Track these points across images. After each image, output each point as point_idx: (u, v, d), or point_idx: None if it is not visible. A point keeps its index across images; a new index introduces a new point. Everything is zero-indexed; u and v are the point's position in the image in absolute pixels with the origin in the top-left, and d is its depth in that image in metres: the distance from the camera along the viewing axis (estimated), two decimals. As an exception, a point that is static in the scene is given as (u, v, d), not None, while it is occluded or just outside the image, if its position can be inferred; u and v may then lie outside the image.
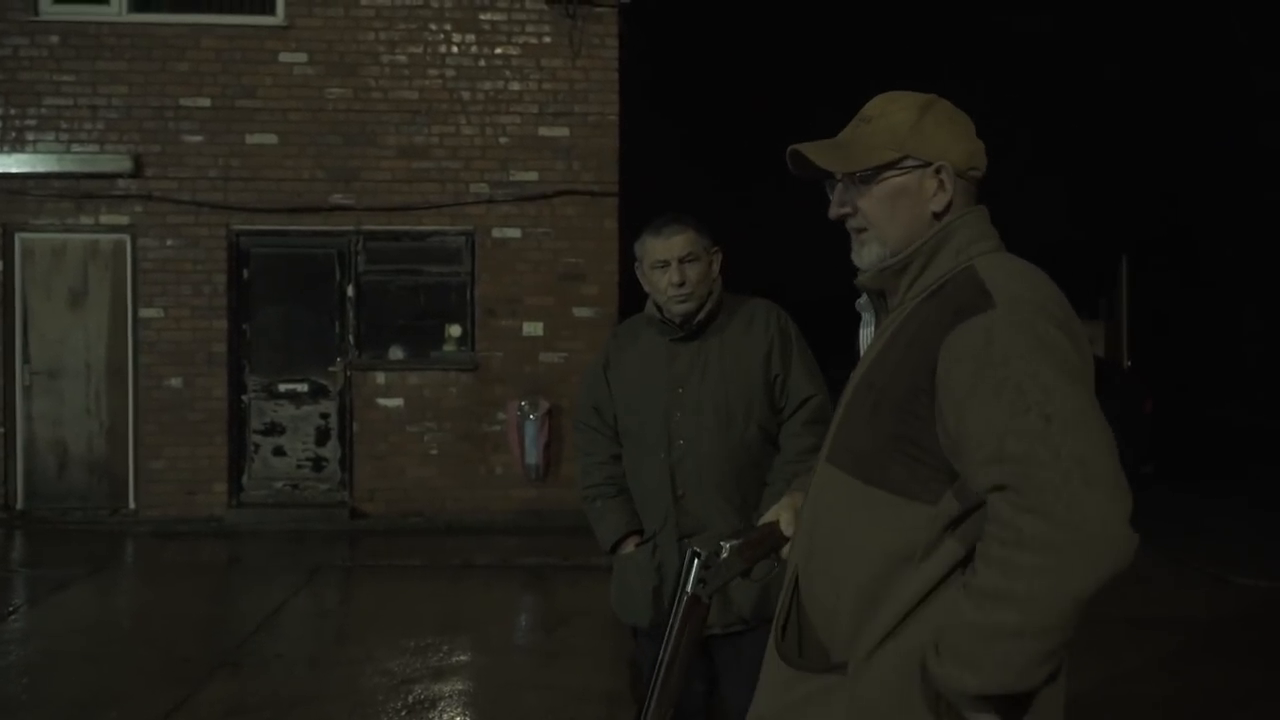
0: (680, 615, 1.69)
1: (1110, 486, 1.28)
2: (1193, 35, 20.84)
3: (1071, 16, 20.83)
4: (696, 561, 1.71)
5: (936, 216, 1.56)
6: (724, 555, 1.71)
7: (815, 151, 1.59)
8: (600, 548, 3.00)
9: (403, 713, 4.75)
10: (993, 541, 1.32)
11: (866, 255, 1.60)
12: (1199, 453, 15.34)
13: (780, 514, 1.76)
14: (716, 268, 2.87)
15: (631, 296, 9.76)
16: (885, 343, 1.55)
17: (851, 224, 1.61)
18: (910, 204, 1.56)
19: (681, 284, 2.77)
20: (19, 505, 9.39)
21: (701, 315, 2.83)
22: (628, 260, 11.02)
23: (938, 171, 1.56)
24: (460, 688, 5.16)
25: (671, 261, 2.78)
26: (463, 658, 5.62)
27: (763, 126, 20.50)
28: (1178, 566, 8.04)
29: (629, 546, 2.90)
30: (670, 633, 1.68)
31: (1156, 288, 22.17)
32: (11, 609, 6.78)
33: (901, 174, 1.56)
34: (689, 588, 1.70)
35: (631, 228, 10.94)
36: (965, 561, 1.42)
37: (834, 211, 1.63)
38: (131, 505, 9.45)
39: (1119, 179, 22.22)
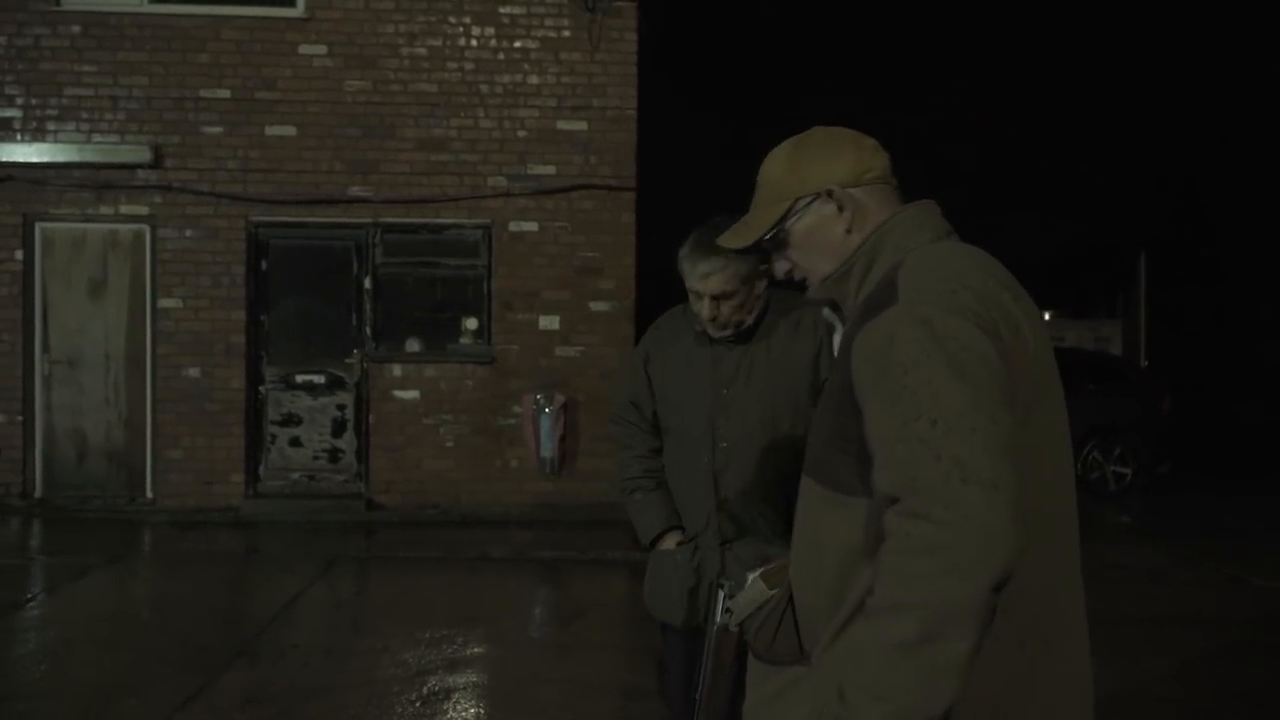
0: (713, 648, 1.73)
1: (987, 484, 1.27)
2: (1214, 31, 20.66)
3: (1093, 14, 20.70)
4: (722, 594, 1.75)
5: (850, 233, 1.61)
6: (748, 584, 1.73)
7: (729, 238, 1.70)
8: (640, 541, 2.95)
9: (417, 704, 4.77)
10: (885, 554, 1.31)
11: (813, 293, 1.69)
12: (1217, 451, 15.25)
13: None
14: (761, 287, 2.76)
15: (648, 290, 9.77)
16: (840, 349, 1.60)
17: (797, 276, 1.70)
18: (823, 236, 1.62)
19: (714, 319, 2.72)
20: (38, 493, 9.46)
21: (742, 331, 2.78)
22: (645, 254, 10.98)
23: (829, 195, 1.61)
24: (475, 680, 5.17)
25: (705, 296, 2.72)
26: (478, 650, 5.64)
27: (783, 115, 20.43)
28: (1195, 566, 8.00)
29: (668, 542, 2.84)
30: (705, 665, 1.72)
31: (1175, 286, 22.03)
32: (30, 597, 6.83)
33: (799, 217, 1.63)
34: (718, 619, 1.73)
35: (650, 222, 10.96)
36: None
37: (779, 272, 1.72)
38: (149, 495, 9.51)
39: (1137, 178, 22.08)
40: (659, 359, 2.91)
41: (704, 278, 2.68)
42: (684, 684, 2.80)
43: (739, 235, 1.68)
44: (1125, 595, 7.03)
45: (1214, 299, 23.09)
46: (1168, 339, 20.97)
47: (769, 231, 1.65)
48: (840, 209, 1.61)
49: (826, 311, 1.72)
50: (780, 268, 1.70)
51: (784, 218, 1.64)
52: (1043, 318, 1.61)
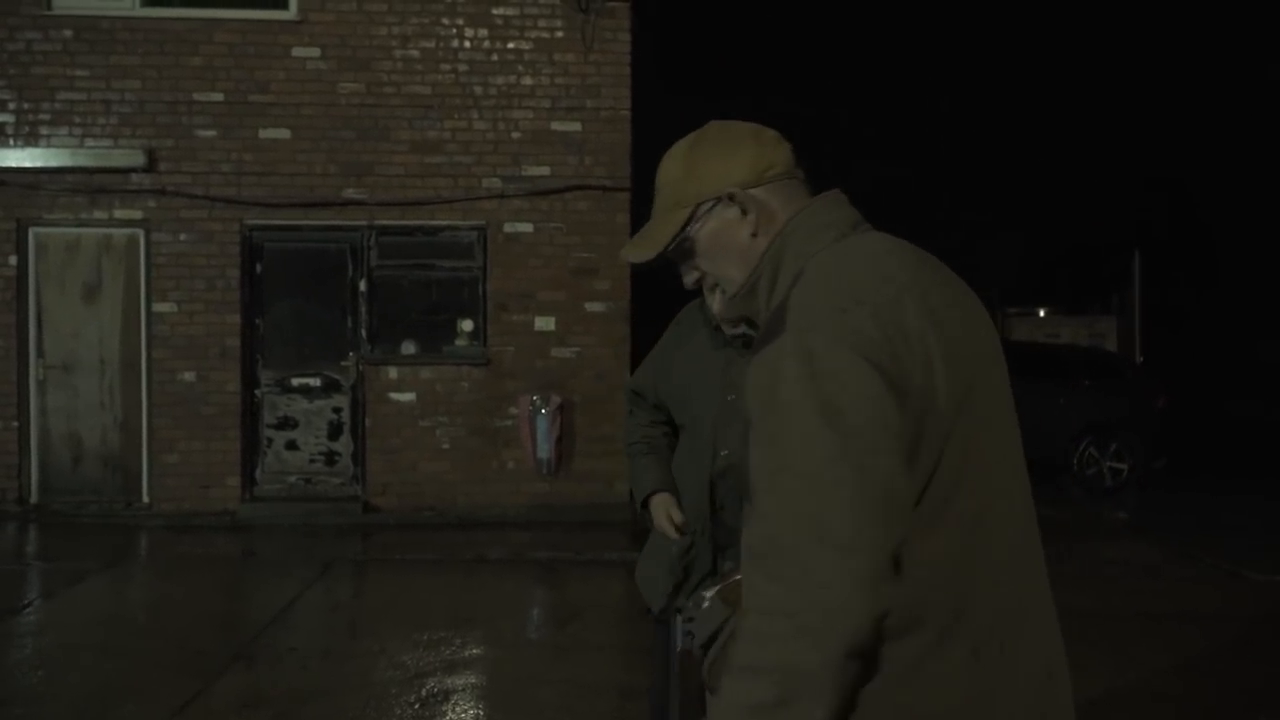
0: (679, 674, 1.71)
1: (845, 547, 1.23)
2: (1208, 31, 20.71)
3: (1086, 12, 20.75)
4: (680, 618, 1.73)
5: (755, 236, 1.51)
6: (705, 605, 1.69)
7: (632, 250, 1.59)
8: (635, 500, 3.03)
9: (416, 706, 4.77)
10: (746, 611, 1.29)
11: (718, 303, 1.61)
12: (1212, 448, 15.28)
13: None
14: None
15: (643, 291, 9.77)
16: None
17: (708, 283, 1.61)
18: (729, 242, 1.52)
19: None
20: (33, 499, 9.44)
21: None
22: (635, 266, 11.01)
23: (730, 199, 1.51)
24: (473, 681, 5.17)
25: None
26: (475, 651, 5.64)
27: (782, 112, 20.45)
28: (1191, 562, 8.02)
29: (659, 503, 2.84)
30: (674, 694, 1.73)
31: (1170, 284, 22.08)
32: (27, 602, 6.81)
33: (702, 224, 1.53)
34: (679, 645, 1.71)
35: (644, 222, 10.98)
36: None
37: (688, 283, 1.63)
38: (145, 499, 9.49)
39: (1132, 175, 22.13)
40: (678, 354, 2.89)
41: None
42: (660, 672, 2.81)
43: (642, 246, 1.57)
44: (1122, 591, 7.05)
45: (1209, 296, 23.14)
46: (1163, 336, 21.01)
47: (672, 242, 1.54)
48: (744, 212, 1.51)
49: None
50: (689, 277, 1.61)
51: (686, 224, 1.53)
52: (976, 308, 1.47)
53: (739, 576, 1.66)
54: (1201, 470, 13.07)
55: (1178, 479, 12.12)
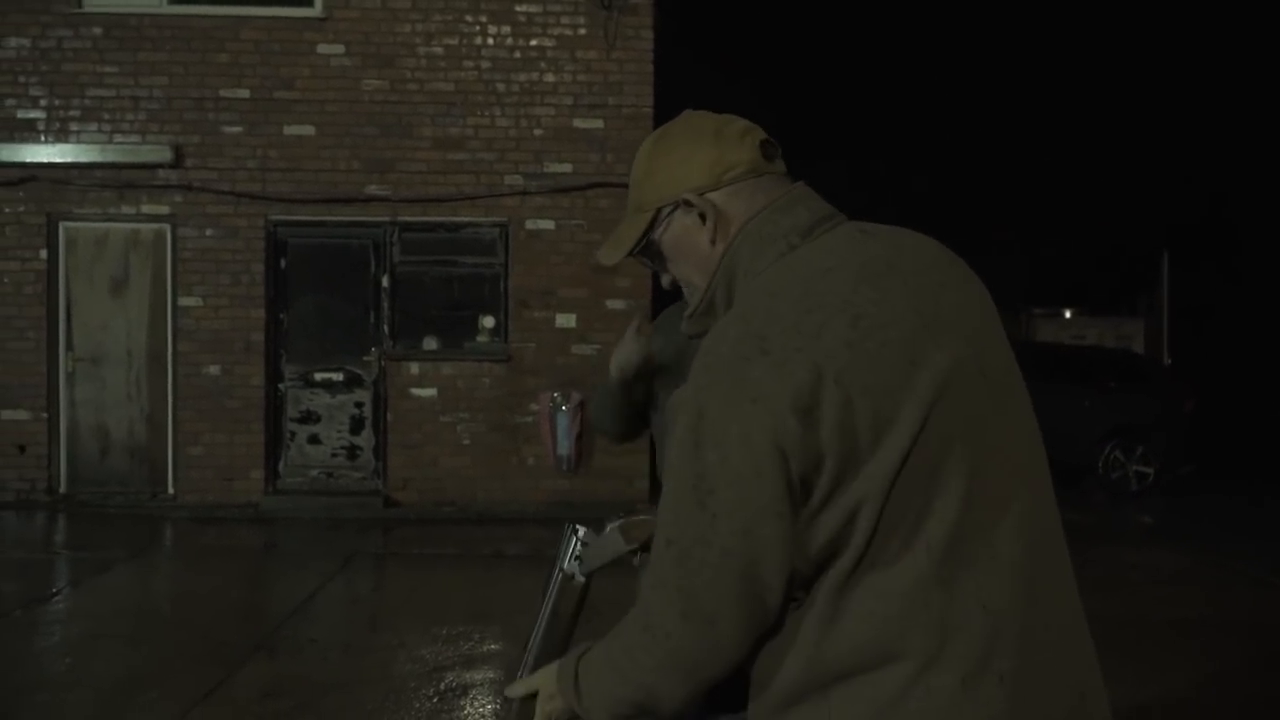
0: (554, 594, 1.62)
1: (706, 619, 1.30)
2: (1237, 29, 20.49)
3: (1115, 13, 20.57)
4: (575, 539, 1.64)
5: (714, 244, 1.45)
6: (604, 534, 1.63)
7: (604, 253, 1.56)
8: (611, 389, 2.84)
9: (434, 699, 4.80)
10: (635, 618, 1.38)
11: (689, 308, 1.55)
12: (1242, 452, 15.11)
13: None
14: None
15: (663, 289, 9.76)
16: None
17: (686, 290, 1.55)
18: (690, 249, 1.47)
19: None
20: (62, 489, 9.56)
21: None
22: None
23: (688, 205, 1.44)
24: (491, 676, 5.20)
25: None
26: (493, 646, 5.66)
27: (804, 111, 20.40)
28: (1218, 568, 7.94)
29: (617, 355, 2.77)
30: (543, 611, 1.62)
31: (1199, 284, 21.85)
32: (55, 591, 6.91)
33: (664, 228, 1.47)
34: (564, 565, 1.64)
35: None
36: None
37: (665, 284, 1.59)
38: (170, 490, 9.60)
39: (1160, 174, 21.92)
40: (660, 351, 2.90)
41: None
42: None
43: (610, 248, 1.54)
44: (1147, 597, 6.98)
45: (1240, 297, 22.88)
46: (1191, 338, 20.80)
47: (637, 245, 1.50)
48: (702, 217, 1.44)
49: None
50: (665, 279, 1.57)
51: (649, 228, 1.48)
52: (955, 308, 1.36)
53: (645, 517, 1.65)
54: (1230, 475, 12.93)
55: (1206, 483, 12.01)
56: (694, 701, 1.38)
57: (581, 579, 1.65)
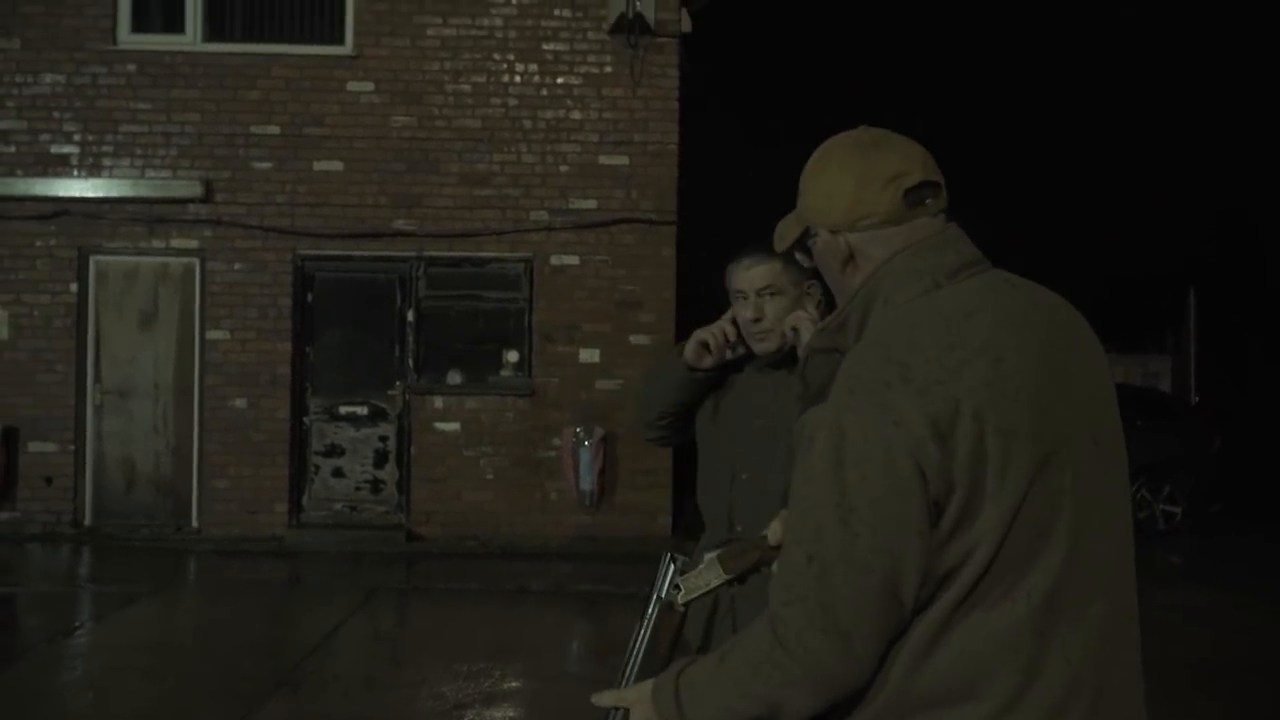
0: (651, 624, 1.65)
1: (844, 634, 1.32)
2: (1266, 65, 20.45)
3: (1139, 44, 20.58)
4: (673, 568, 1.66)
5: (846, 272, 1.52)
6: (702, 565, 1.67)
7: (776, 237, 1.62)
8: (677, 371, 2.70)
9: (456, 738, 4.77)
10: (758, 633, 1.39)
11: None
12: (1272, 491, 14.88)
13: (771, 526, 1.70)
14: (816, 302, 2.60)
15: (687, 324, 9.78)
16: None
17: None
18: (826, 265, 1.56)
19: (758, 320, 2.55)
20: (87, 521, 9.61)
21: (785, 354, 2.59)
22: (685, 288, 10.96)
23: (834, 233, 1.51)
24: (512, 714, 5.17)
25: (749, 294, 2.57)
26: (515, 684, 5.63)
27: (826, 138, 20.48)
28: (1246, 609, 7.81)
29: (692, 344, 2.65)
30: (638, 641, 1.64)
31: (1227, 321, 21.66)
32: (78, 624, 6.93)
33: (814, 241, 1.55)
34: (663, 593, 1.65)
35: (690, 256, 10.97)
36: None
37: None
38: (195, 523, 9.63)
39: (1187, 209, 21.82)
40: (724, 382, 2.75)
41: (747, 270, 2.57)
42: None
43: (778, 238, 1.62)
44: (1177, 638, 6.86)
45: (1267, 334, 22.66)
46: (1219, 375, 20.59)
47: (793, 247, 1.60)
48: (835, 250, 1.51)
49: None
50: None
51: (802, 236, 1.57)
52: (1082, 365, 1.43)
53: (741, 544, 1.70)
54: (1260, 514, 12.73)
55: (1234, 523, 11.84)
56: (813, 716, 1.39)
57: (681, 608, 1.67)
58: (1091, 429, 1.41)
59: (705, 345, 2.62)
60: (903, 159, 1.49)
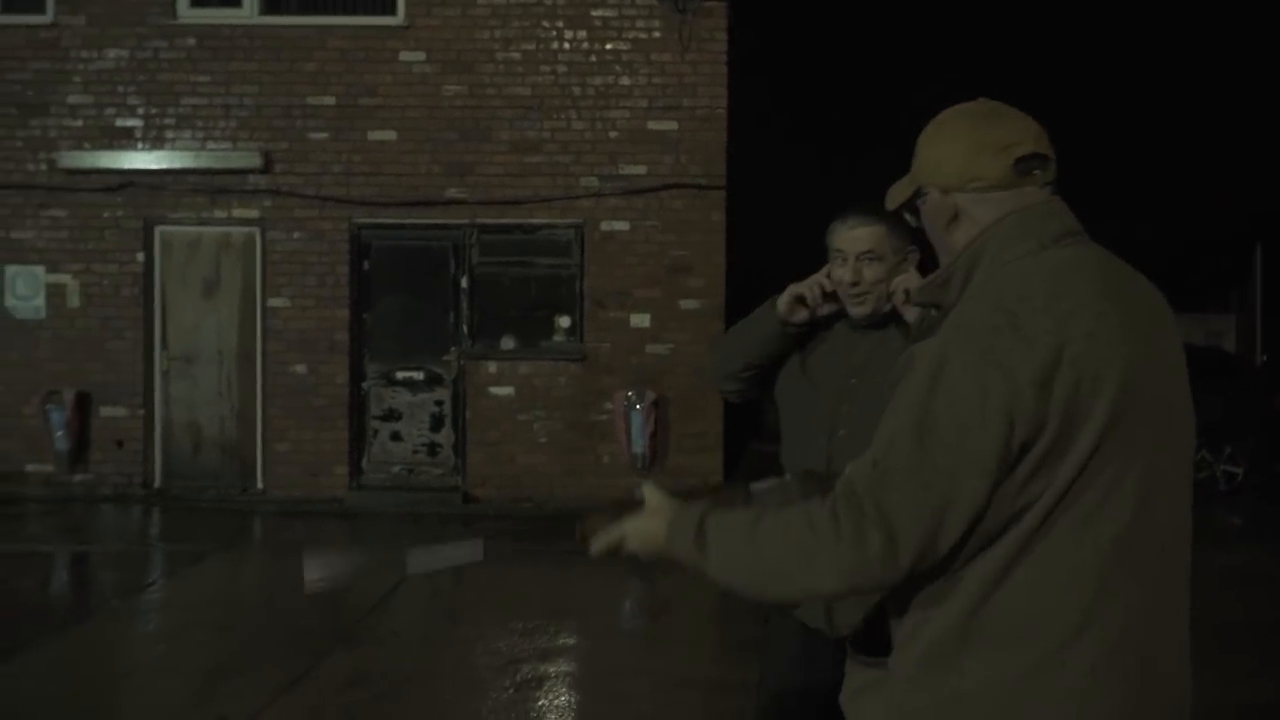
0: (728, 490, 1.79)
1: (889, 535, 1.40)
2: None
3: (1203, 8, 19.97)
4: (772, 479, 1.81)
5: (952, 231, 1.60)
6: (783, 480, 1.80)
7: (889, 196, 1.72)
8: (768, 322, 2.70)
9: (510, 691, 4.94)
10: (819, 515, 1.45)
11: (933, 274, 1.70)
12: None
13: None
14: (909, 270, 2.60)
15: (737, 288, 9.82)
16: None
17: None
18: (934, 226, 1.64)
19: (855, 283, 2.57)
20: (157, 483, 9.97)
21: (882, 316, 2.62)
22: (735, 253, 10.98)
23: (944, 192, 1.60)
24: (566, 669, 5.33)
25: (850, 256, 2.57)
26: (568, 640, 5.80)
27: (875, 104, 20.22)
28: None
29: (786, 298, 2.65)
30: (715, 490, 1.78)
31: (1295, 279, 21.09)
32: (151, 581, 7.24)
33: (924, 200, 1.64)
34: (752, 486, 1.79)
35: (740, 221, 10.97)
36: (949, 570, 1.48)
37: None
38: (259, 485, 9.94)
39: (1253, 164, 21.22)
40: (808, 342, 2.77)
41: (851, 231, 2.59)
42: (771, 664, 2.84)
43: (890, 197, 1.71)
44: (1235, 599, 6.82)
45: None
46: (1286, 334, 20.10)
47: (903, 208, 1.69)
48: (943, 210, 1.61)
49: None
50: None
51: (914, 196, 1.66)
52: (1162, 331, 1.54)
53: (822, 471, 1.82)
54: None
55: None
56: (808, 602, 1.49)
57: (752, 495, 1.80)
58: (1169, 397, 1.52)
59: (801, 300, 2.64)
60: (1016, 130, 1.59)
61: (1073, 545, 1.43)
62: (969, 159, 1.57)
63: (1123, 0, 19.84)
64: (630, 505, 1.72)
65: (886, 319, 2.62)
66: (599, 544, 1.73)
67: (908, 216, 1.71)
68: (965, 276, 1.57)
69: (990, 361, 1.41)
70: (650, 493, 1.70)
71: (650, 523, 1.66)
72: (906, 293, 2.52)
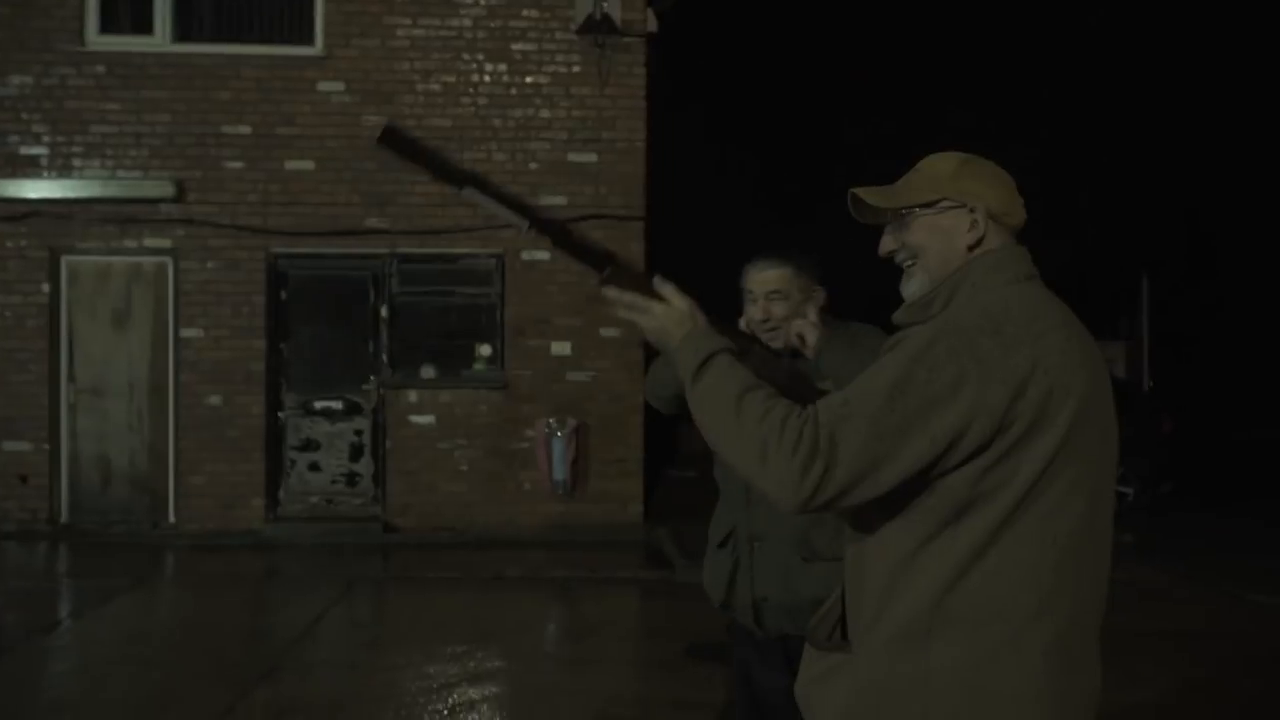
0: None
1: (830, 463, 1.56)
2: (1215, 52, 20.96)
3: (1094, 28, 21.02)
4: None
5: (970, 249, 1.78)
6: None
7: (867, 193, 1.85)
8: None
9: (444, 713, 4.98)
10: (791, 414, 1.62)
11: (911, 286, 1.84)
12: (1222, 473, 15.37)
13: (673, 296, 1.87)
14: (818, 306, 2.85)
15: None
16: None
17: (899, 258, 1.85)
18: (946, 240, 1.79)
19: (765, 320, 2.83)
20: (64, 519, 9.69)
21: (793, 350, 2.84)
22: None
23: (971, 211, 1.78)
24: (496, 691, 5.38)
25: (759, 296, 2.84)
26: (497, 664, 5.85)
27: (800, 144, 20.75)
28: (1193, 583, 8.17)
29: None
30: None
31: (1178, 306, 22.20)
32: (60, 620, 7.05)
33: (939, 213, 1.80)
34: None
35: (659, 252, 11.18)
36: (921, 544, 1.65)
37: (883, 249, 1.89)
38: (172, 519, 9.73)
39: (1139, 195, 22.32)
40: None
41: (760, 271, 2.86)
42: (741, 681, 3.00)
43: (880, 195, 1.84)
44: (1131, 610, 7.19)
45: (1220, 319, 23.24)
46: (1172, 361, 21.12)
47: (908, 207, 1.81)
48: (972, 225, 1.78)
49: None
50: (886, 246, 1.87)
51: (925, 205, 1.80)
52: (1100, 361, 1.75)
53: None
54: (1209, 495, 13.19)
55: (1185, 502, 12.26)
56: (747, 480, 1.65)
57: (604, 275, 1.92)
58: (1107, 417, 1.72)
59: None
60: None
61: (1036, 538, 1.61)
62: (1011, 200, 1.82)
63: (1008, 33, 20.78)
64: (649, 286, 1.83)
65: (796, 355, 2.85)
66: (616, 295, 1.84)
67: (889, 219, 1.84)
68: (948, 299, 1.76)
69: (973, 356, 1.59)
70: (675, 295, 1.81)
71: (673, 323, 1.79)
72: (801, 338, 2.77)
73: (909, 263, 1.83)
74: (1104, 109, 21.82)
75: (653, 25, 9.91)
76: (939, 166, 1.83)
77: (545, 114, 9.90)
